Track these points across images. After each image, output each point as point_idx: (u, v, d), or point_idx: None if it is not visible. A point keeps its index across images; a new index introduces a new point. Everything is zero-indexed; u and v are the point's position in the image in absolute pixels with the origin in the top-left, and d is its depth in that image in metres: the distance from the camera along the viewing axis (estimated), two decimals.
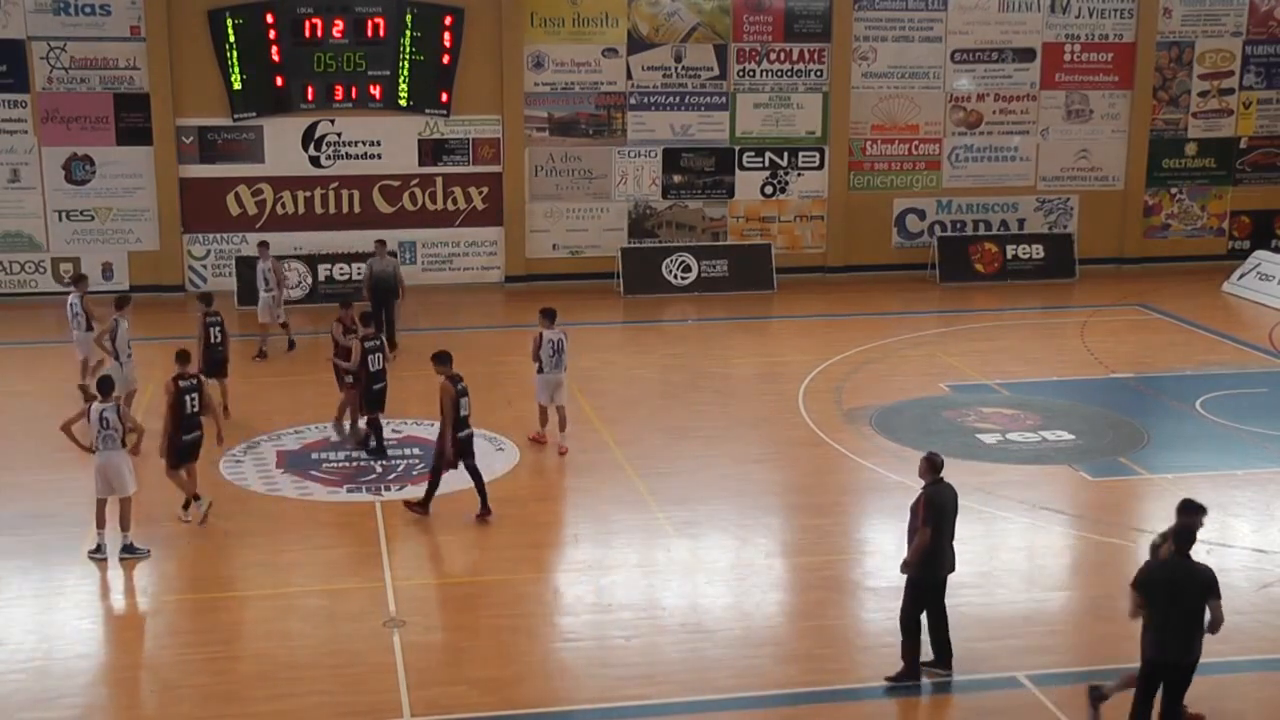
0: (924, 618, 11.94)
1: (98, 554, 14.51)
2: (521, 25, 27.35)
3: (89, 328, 19.55)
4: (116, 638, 13.05)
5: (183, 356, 15.88)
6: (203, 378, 16.66)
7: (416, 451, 17.86)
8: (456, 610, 13.57)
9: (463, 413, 15.55)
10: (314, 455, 17.73)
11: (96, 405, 14.51)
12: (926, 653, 12.01)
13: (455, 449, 15.47)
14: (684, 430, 18.87)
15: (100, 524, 14.58)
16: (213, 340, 18.92)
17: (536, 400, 18.21)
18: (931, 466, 11.91)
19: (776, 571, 14.61)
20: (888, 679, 11.88)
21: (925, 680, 11.92)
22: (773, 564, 14.78)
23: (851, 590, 13.98)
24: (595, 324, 25.50)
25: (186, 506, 15.58)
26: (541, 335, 17.84)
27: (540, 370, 17.88)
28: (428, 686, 11.85)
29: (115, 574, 14.28)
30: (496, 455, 17.78)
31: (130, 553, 14.49)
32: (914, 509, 11.87)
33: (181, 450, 15.48)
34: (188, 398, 15.49)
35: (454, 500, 16.26)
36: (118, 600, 13.82)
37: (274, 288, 22.64)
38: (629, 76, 28.02)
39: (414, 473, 17.08)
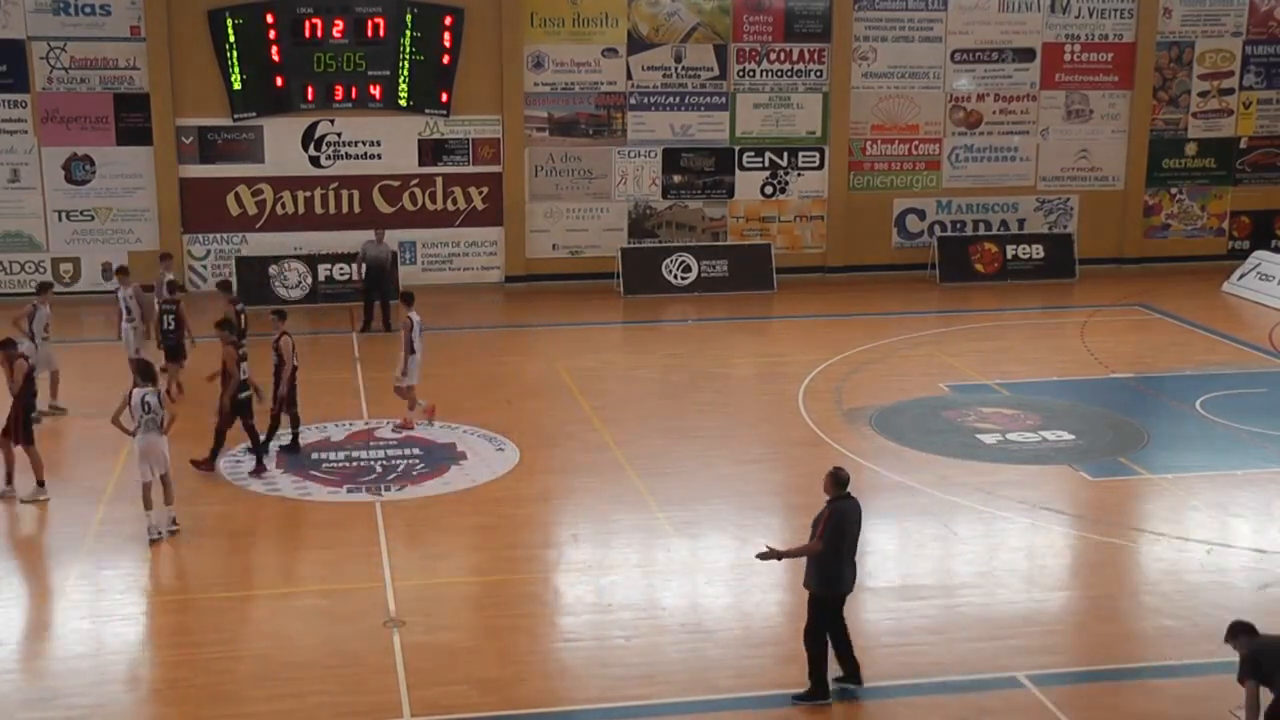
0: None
1: (157, 536, 14.91)
2: (521, 25, 27.36)
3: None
4: (116, 638, 13.03)
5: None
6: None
7: (417, 451, 17.86)
8: (456, 610, 13.56)
9: (243, 376, 16.83)
10: (314, 455, 17.71)
11: (138, 390, 14.94)
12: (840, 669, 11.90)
13: (231, 407, 16.71)
14: (684, 430, 18.87)
15: (148, 505, 14.97)
16: (166, 326, 19.82)
17: (411, 383, 18.61)
18: (836, 482, 11.72)
19: (776, 572, 14.56)
20: (794, 697, 11.69)
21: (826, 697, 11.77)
22: (772, 564, 14.70)
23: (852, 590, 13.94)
24: (595, 324, 25.52)
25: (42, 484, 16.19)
26: (412, 320, 18.70)
27: (413, 351, 18.49)
28: (428, 686, 11.85)
29: (115, 574, 14.27)
30: (497, 455, 17.78)
31: (174, 526, 15.07)
32: (816, 521, 11.70)
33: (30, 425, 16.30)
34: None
35: (453, 500, 16.28)
36: (118, 600, 13.80)
37: (136, 318, 20.25)
38: (629, 76, 28.03)
39: (415, 472, 17.08)
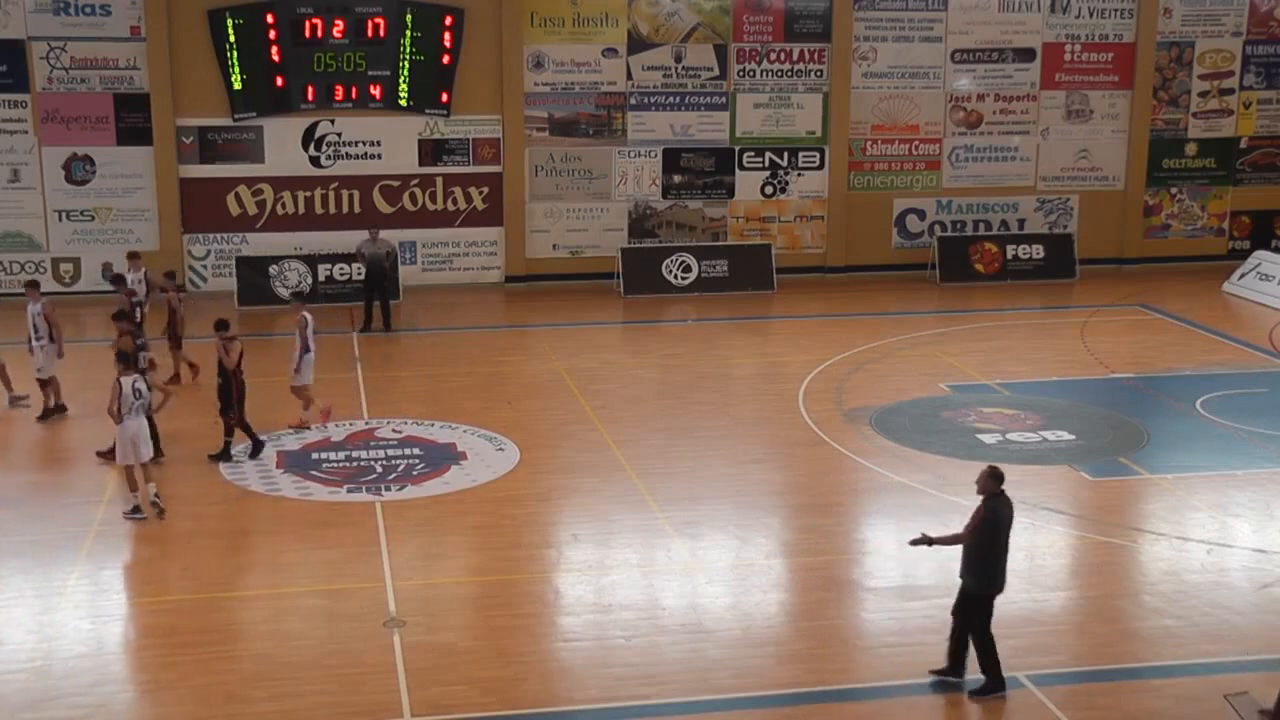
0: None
1: (136, 514, 15.51)
2: (521, 25, 27.36)
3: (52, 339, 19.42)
4: (116, 638, 13.04)
5: None
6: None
7: (417, 451, 17.86)
8: (457, 610, 13.55)
9: (141, 365, 17.20)
10: (314, 455, 17.72)
11: (126, 379, 15.51)
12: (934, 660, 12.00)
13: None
14: (684, 430, 18.87)
15: (134, 487, 15.59)
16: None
17: (305, 382, 18.61)
18: (994, 478, 11.70)
19: (776, 571, 14.60)
20: (972, 693, 11.75)
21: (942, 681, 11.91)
22: (772, 564, 14.77)
23: (851, 590, 13.98)
24: (595, 324, 25.52)
25: None
26: (306, 318, 18.68)
27: (309, 350, 18.53)
28: (428, 686, 11.85)
29: (115, 574, 14.29)
30: (497, 455, 17.78)
31: (158, 500, 15.67)
32: (973, 517, 11.74)
33: None
34: None
35: (453, 500, 16.28)
36: (118, 600, 13.82)
37: (44, 336, 18.97)
38: (629, 76, 28.02)
39: (415, 472, 17.08)
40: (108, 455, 16.98)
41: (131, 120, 26.49)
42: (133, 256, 22.23)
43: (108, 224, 26.76)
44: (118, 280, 21.07)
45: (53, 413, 19.23)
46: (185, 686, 11.90)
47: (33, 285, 19.93)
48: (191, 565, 14.46)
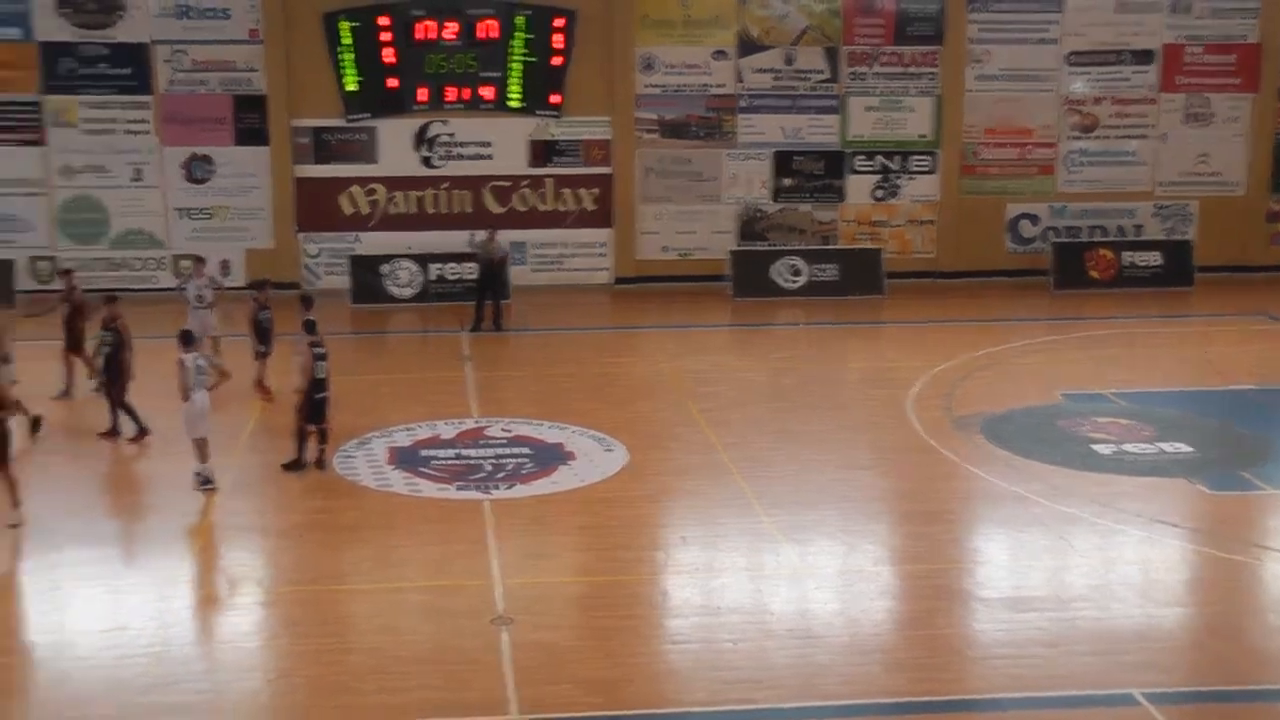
0: None
1: (208, 485, 16.24)
2: (632, 27, 27.43)
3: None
4: (232, 627, 13.28)
5: None
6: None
7: (526, 451, 17.97)
8: (564, 610, 13.60)
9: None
10: (424, 452, 17.90)
11: (190, 356, 16.18)
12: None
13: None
14: (791, 434, 18.77)
15: (207, 459, 16.29)
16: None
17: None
18: None
19: (884, 578, 14.45)
20: None
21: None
22: (880, 571, 14.62)
23: (963, 600, 13.77)
24: (704, 326, 25.50)
25: None
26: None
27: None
28: (534, 685, 11.89)
29: (230, 565, 14.57)
30: (605, 456, 17.82)
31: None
32: None
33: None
34: None
35: (561, 500, 16.34)
36: (233, 591, 14.07)
37: None
38: (739, 79, 27.96)
39: (524, 471, 17.18)
40: (108, 435, 18.13)
41: (249, 121, 27.04)
42: (64, 273, 21.17)
43: (225, 222, 27.33)
44: None
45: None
46: (299, 676, 12.08)
47: None
48: (304, 558, 14.69)
